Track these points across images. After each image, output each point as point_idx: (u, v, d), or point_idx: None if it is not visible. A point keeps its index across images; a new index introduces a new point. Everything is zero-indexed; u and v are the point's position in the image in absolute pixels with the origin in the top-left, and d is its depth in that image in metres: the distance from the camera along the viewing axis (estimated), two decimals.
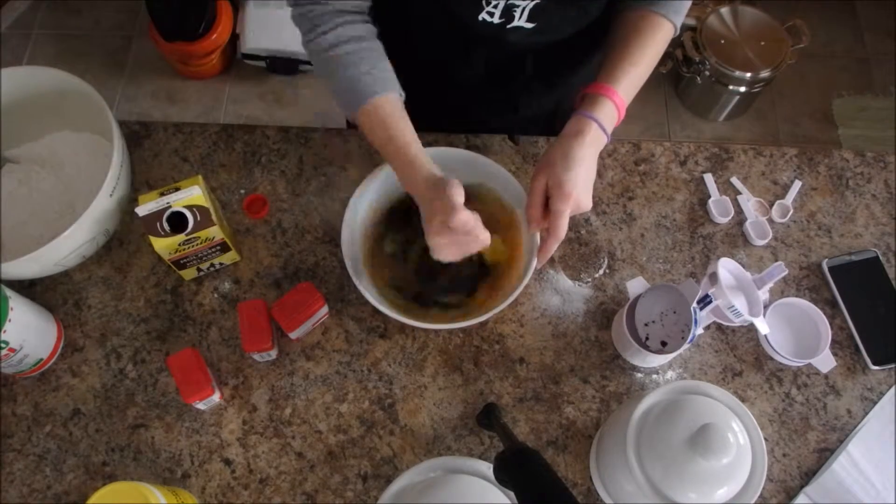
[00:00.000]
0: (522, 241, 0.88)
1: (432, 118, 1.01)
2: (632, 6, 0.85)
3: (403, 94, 0.81)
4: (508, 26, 0.81)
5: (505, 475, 0.68)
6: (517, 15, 0.79)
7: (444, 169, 0.88)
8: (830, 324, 0.89)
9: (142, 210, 0.81)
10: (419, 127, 1.00)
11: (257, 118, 2.14)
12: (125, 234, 0.92)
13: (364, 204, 0.89)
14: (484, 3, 0.78)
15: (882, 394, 0.89)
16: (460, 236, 0.75)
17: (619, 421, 0.75)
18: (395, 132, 0.79)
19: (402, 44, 0.93)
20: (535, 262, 0.82)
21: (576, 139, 0.78)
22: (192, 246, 0.82)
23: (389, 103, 0.79)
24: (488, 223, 0.78)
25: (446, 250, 0.77)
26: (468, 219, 0.74)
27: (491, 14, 0.79)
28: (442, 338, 0.89)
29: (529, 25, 0.81)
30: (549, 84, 0.97)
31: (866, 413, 0.88)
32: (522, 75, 0.92)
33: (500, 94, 0.96)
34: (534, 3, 0.78)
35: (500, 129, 1.02)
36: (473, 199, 0.92)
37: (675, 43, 2.02)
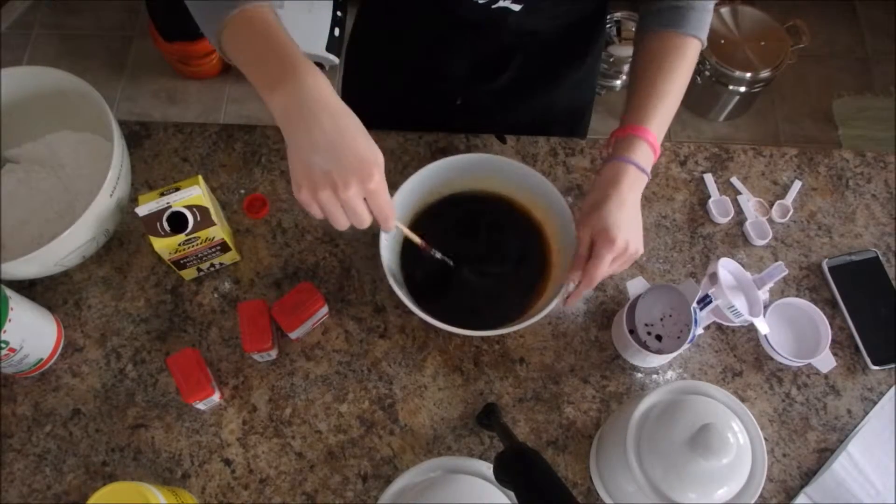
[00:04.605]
0: (552, 276, 0.88)
1: (420, 118, 1.00)
2: (653, 29, 0.82)
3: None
4: (493, 6, 0.78)
5: (505, 475, 0.68)
6: None
7: (458, 168, 0.88)
8: (830, 324, 0.89)
9: (142, 210, 0.81)
10: (406, 128, 0.99)
11: (257, 118, 2.14)
12: (125, 234, 0.92)
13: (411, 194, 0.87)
14: None
15: (882, 394, 0.89)
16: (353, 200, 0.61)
17: (619, 421, 0.75)
18: (281, 37, 0.65)
19: (389, 37, 0.92)
20: (556, 301, 0.81)
21: (614, 185, 0.76)
22: (192, 246, 0.82)
23: (266, 10, 0.66)
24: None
25: (310, 194, 0.62)
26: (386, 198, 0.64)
27: None
28: (442, 338, 0.89)
29: (516, 7, 0.78)
30: (537, 85, 0.96)
31: (866, 413, 0.88)
32: (510, 72, 0.91)
33: (487, 90, 0.95)
34: None
35: (487, 130, 1.00)
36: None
37: None
